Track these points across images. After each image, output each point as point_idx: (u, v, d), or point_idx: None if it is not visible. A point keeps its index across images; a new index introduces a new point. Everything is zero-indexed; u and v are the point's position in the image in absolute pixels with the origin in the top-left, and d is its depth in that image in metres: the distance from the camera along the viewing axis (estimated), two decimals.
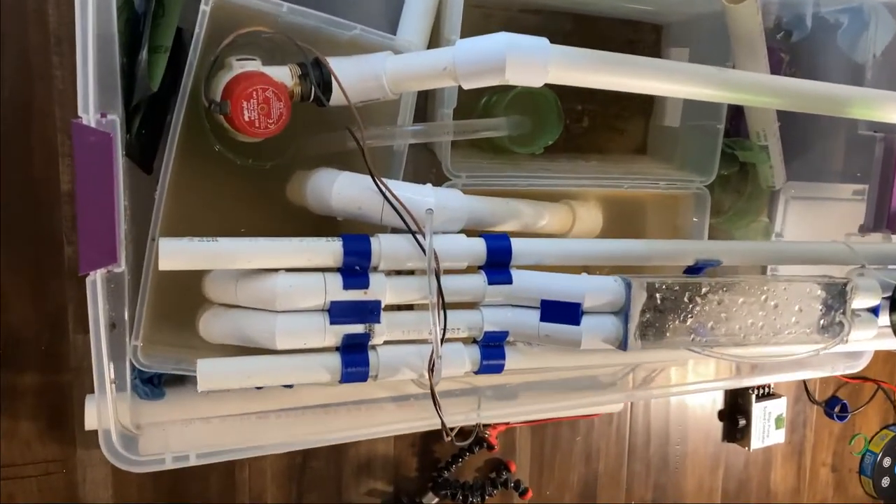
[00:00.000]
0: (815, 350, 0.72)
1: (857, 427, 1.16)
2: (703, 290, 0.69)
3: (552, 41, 0.65)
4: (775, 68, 0.93)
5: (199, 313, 0.66)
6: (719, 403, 1.06)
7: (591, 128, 0.86)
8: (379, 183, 0.64)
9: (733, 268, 0.84)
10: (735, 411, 1.05)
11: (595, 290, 0.66)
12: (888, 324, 0.80)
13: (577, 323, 0.66)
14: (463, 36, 0.74)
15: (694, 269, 0.76)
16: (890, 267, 0.84)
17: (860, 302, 0.77)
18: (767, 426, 1.04)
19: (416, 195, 0.65)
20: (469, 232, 0.69)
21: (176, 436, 0.70)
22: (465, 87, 0.65)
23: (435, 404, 0.66)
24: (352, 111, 0.63)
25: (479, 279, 0.67)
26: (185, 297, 0.65)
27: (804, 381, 1.09)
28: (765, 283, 0.71)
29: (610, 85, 0.65)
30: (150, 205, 0.62)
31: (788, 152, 0.97)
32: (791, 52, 0.95)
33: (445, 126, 0.69)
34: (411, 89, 0.66)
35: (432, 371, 0.65)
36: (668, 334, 0.69)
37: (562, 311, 0.67)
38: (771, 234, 0.99)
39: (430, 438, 0.90)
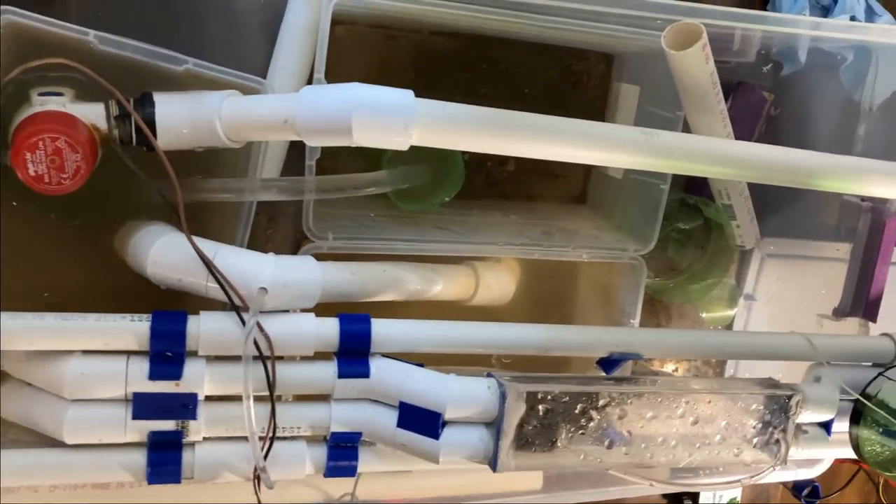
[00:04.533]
0: (734, 481, 0.60)
1: None
2: (601, 402, 0.57)
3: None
4: (755, 110, 0.79)
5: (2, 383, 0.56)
6: None
7: (519, 172, 0.73)
8: (200, 251, 0.53)
9: None
10: (684, 493, 0.93)
11: (460, 400, 0.55)
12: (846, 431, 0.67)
13: (436, 436, 0.55)
14: (357, 65, 0.63)
15: (609, 362, 0.63)
16: (864, 364, 0.70)
17: (810, 416, 0.64)
18: None
19: (251, 265, 0.54)
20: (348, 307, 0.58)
21: None
22: (311, 144, 0.53)
23: None
24: (162, 161, 0.51)
25: (329, 370, 0.56)
26: None
27: None
28: (682, 395, 0.59)
29: (499, 150, 0.53)
30: None
31: (765, 205, 0.82)
32: (778, 88, 0.80)
33: (305, 183, 0.57)
34: (251, 139, 0.55)
35: (258, 481, 0.54)
36: (553, 452, 0.57)
37: (420, 419, 0.55)
38: (737, 298, 0.85)
39: None
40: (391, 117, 0.49)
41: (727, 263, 0.82)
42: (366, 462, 0.59)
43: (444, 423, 0.55)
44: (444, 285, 0.65)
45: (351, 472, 0.59)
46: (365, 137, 0.49)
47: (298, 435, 0.57)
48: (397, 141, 0.50)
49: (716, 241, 0.80)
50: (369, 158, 0.65)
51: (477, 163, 0.70)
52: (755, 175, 0.60)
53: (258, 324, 0.53)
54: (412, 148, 0.59)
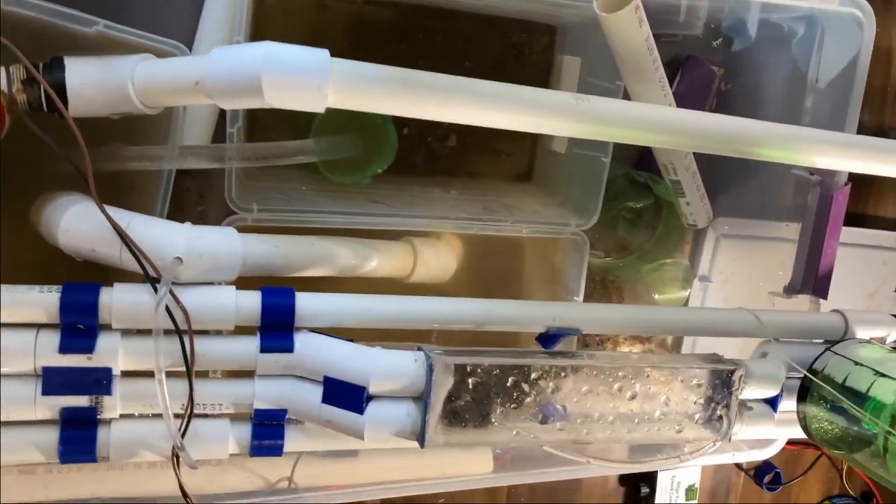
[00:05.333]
0: (673, 457, 0.59)
1: (795, 496, 1.01)
2: (533, 375, 0.55)
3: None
4: (704, 84, 0.77)
5: None
6: None
7: (461, 148, 0.71)
8: (112, 219, 0.51)
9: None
10: (639, 477, 0.91)
11: (385, 373, 0.53)
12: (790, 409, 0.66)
13: (360, 411, 0.53)
14: (289, 36, 0.61)
15: (547, 338, 0.62)
16: (815, 341, 0.69)
17: (754, 391, 0.63)
18: (675, 497, 0.90)
19: (166, 235, 0.52)
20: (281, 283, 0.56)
21: None
22: (225, 107, 0.51)
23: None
24: (70, 126, 0.49)
25: (250, 345, 0.54)
26: None
27: None
28: (619, 369, 0.57)
29: (421, 113, 0.51)
30: None
31: (719, 184, 0.81)
32: (729, 64, 0.79)
33: (226, 150, 0.55)
34: (165, 104, 0.53)
35: (177, 460, 0.52)
36: (485, 427, 0.55)
37: (345, 394, 0.53)
38: (691, 279, 0.84)
39: None
40: (304, 76, 0.47)
41: (678, 243, 0.81)
42: (293, 441, 0.57)
43: (370, 398, 0.53)
44: (379, 261, 0.63)
45: (277, 451, 0.57)
46: (277, 98, 0.47)
47: (221, 412, 0.55)
48: (312, 102, 0.48)
49: (666, 220, 0.78)
50: (302, 133, 0.64)
51: (417, 138, 0.69)
52: (692, 143, 0.58)
53: (174, 296, 0.51)
54: (343, 118, 0.58)
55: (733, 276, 0.85)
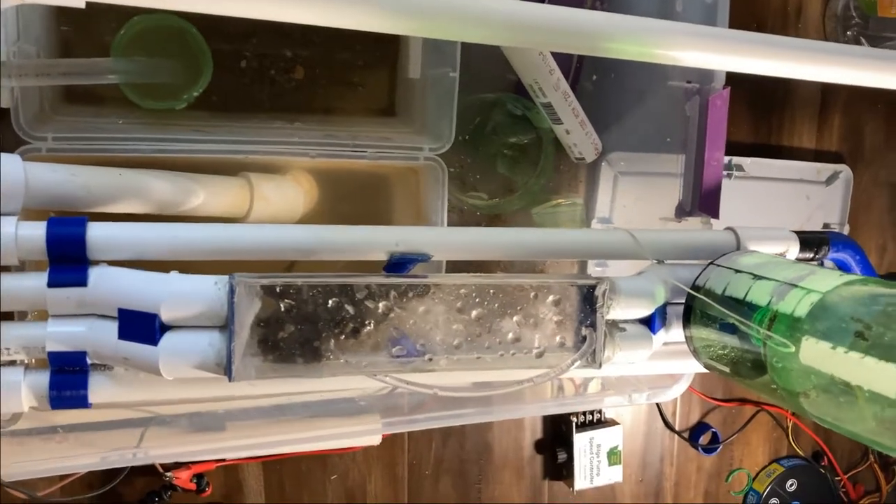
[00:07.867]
0: (526, 380, 0.52)
1: (739, 460, 0.93)
2: (358, 295, 0.50)
3: None
4: (576, 2, 0.72)
5: None
6: (538, 431, 0.85)
7: (310, 81, 0.66)
8: None
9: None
10: (556, 442, 0.84)
11: (177, 298, 0.47)
12: (681, 339, 0.60)
13: (154, 342, 0.47)
14: None
15: (394, 266, 0.56)
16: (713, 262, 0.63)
17: (625, 311, 0.57)
18: (596, 462, 0.83)
19: None
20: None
21: None
22: None
23: None
24: None
25: (36, 280, 0.49)
26: None
27: (657, 404, 0.88)
28: (460, 287, 0.51)
29: (195, 7, 0.46)
30: None
31: (609, 114, 0.76)
32: None
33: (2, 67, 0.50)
34: None
35: None
36: (308, 358, 0.49)
37: (137, 325, 0.48)
38: (588, 220, 0.78)
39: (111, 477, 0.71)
40: None
41: (549, 181, 0.75)
42: (100, 389, 0.51)
43: (166, 328, 0.48)
44: (207, 197, 0.58)
45: (81, 401, 0.51)
46: None
47: (12, 359, 0.50)
48: None
49: (548, 155, 0.73)
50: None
51: (258, 71, 0.63)
52: (525, 38, 0.52)
53: None
54: (153, 42, 0.53)
55: (636, 216, 0.80)
